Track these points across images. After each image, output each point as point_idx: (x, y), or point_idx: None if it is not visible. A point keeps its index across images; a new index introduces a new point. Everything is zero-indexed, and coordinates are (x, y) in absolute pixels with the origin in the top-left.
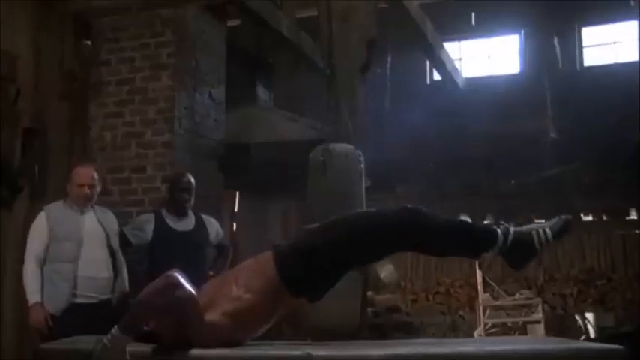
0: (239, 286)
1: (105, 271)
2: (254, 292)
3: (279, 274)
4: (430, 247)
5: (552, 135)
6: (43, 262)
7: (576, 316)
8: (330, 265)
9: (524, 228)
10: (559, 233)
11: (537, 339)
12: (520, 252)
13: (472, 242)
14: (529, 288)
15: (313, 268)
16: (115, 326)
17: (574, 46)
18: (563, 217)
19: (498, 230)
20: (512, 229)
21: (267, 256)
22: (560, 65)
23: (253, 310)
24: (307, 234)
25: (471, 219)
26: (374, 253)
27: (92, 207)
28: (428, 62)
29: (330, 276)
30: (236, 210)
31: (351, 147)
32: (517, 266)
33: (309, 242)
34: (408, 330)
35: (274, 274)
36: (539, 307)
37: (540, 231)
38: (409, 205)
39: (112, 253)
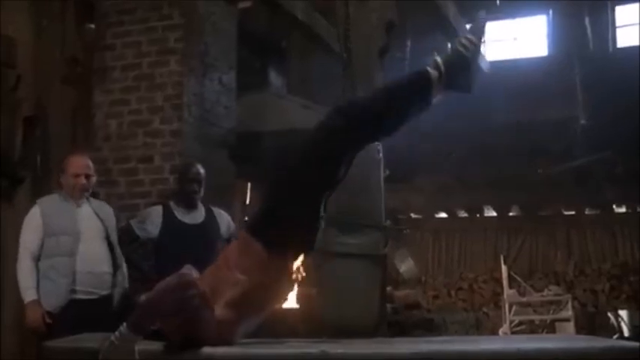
0: (233, 270)
1: (105, 266)
2: (248, 271)
3: (261, 242)
4: (379, 130)
5: (582, 121)
6: (38, 258)
7: (609, 314)
8: (299, 206)
9: (448, 50)
10: (480, 30)
11: (567, 337)
12: (458, 71)
13: (413, 95)
14: (558, 284)
15: (286, 219)
16: (124, 324)
17: (606, 26)
18: (479, 16)
19: (427, 68)
20: (437, 58)
21: (243, 232)
22: (591, 47)
23: (255, 290)
24: (264, 194)
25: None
26: (332, 168)
27: (87, 199)
28: (449, 45)
29: (308, 215)
30: (248, 202)
31: None
32: (466, 87)
33: (269, 197)
34: (429, 327)
35: (257, 245)
36: (569, 304)
37: (463, 40)
38: (336, 107)
39: (111, 248)
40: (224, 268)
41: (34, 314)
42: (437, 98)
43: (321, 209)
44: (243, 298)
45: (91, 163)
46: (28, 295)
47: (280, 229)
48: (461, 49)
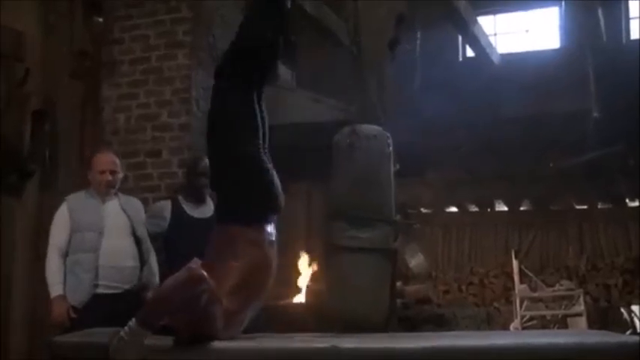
0: (222, 262)
1: (129, 260)
2: (235, 257)
3: (233, 222)
4: (258, 56)
5: (595, 114)
6: (65, 254)
7: (621, 309)
8: (242, 168)
9: None
10: None
11: (579, 332)
12: None
13: (266, 11)
14: (570, 278)
15: (239, 186)
16: (133, 319)
17: (619, 18)
18: None
19: None
20: None
21: (217, 225)
22: (604, 39)
23: (249, 270)
24: (210, 185)
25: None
26: (248, 119)
27: (116, 194)
28: (460, 38)
29: (255, 171)
30: None
31: (379, 129)
32: None
33: (214, 182)
34: (440, 322)
35: (231, 228)
36: (581, 299)
37: None
38: (216, 69)
39: (138, 242)
40: (216, 263)
41: (60, 309)
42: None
43: (264, 158)
44: (241, 283)
45: (117, 160)
46: (55, 290)
47: (237, 198)
48: None
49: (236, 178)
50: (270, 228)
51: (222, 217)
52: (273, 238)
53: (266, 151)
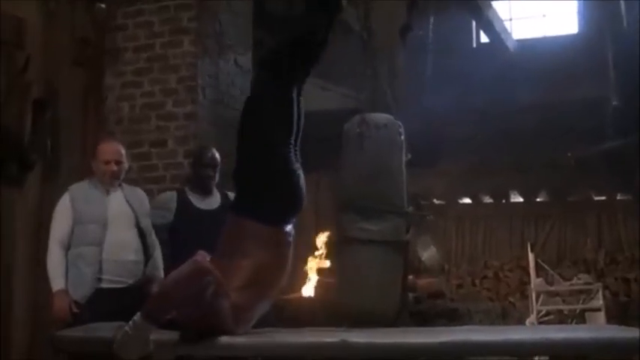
0: (233, 255)
1: (132, 254)
2: (248, 252)
3: (249, 218)
4: (303, 51)
5: (614, 102)
6: (68, 247)
7: None
8: (268, 165)
9: None
10: None
11: (597, 327)
12: None
13: (310, 11)
14: (588, 272)
15: (260, 183)
16: (138, 314)
17: None
18: None
19: None
20: None
21: (232, 217)
22: (624, 23)
23: (260, 268)
24: (234, 174)
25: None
26: (283, 113)
27: (120, 185)
28: (474, 23)
29: (280, 170)
30: None
31: (390, 117)
32: None
33: (238, 171)
34: (453, 317)
35: (250, 223)
36: (600, 294)
37: None
38: (258, 59)
39: (142, 235)
40: (227, 257)
41: (61, 303)
42: None
43: (292, 158)
44: (252, 280)
45: (122, 150)
46: (56, 284)
47: (260, 195)
48: None
49: (262, 175)
50: (289, 228)
51: (240, 210)
52: (291, 239)
53: (297, 149)
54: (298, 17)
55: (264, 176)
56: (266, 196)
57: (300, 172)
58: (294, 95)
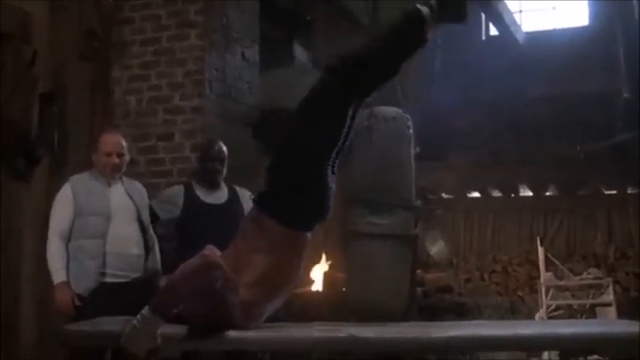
0: (250, 250)
1: (135, 248)
2: (267, 250)
3: (274, 218)
4: (378, 78)
5: (625, 95)
6: (68, 239)
7: None
8: (305, 172)
9: None
10: None
11: (606, 322)
12: (449, 2)
13: (407, 37)
14: (598, 266)
15: (293, 188)
16: (146, 307)
17: None
18: None
19: (417, 6)
20: None
21: (255, 212)
22: (636, 15)
23: (275, 268)
24: (269, 168)
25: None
26: (335, 127)
27: (120, 178)
28: (483, 15)
29: (316, 181)
30: None
31: (399, 110)
32: (458, 17)
33: (273, 169)
34: (461, 312)
35: (272, 223)
36: (610, 288)
37: None
38: (328, 65)
39: (143, 229)
40: (242, 251)
41: (63, 296)
42: (431, 34)
43: (329, 172)
44: (263, 278)
45: (123, 142)
46: (57, 276)
47: (291, 200)
48: None
49: (296, 180)
50: (310, 235)
51: (265, 207)
52: (308, 244)
53: (335, 162)
54: (381, 39)
55: (297, 182)
56: (294, 201)
57: (333, 186)
58: (350, 112)
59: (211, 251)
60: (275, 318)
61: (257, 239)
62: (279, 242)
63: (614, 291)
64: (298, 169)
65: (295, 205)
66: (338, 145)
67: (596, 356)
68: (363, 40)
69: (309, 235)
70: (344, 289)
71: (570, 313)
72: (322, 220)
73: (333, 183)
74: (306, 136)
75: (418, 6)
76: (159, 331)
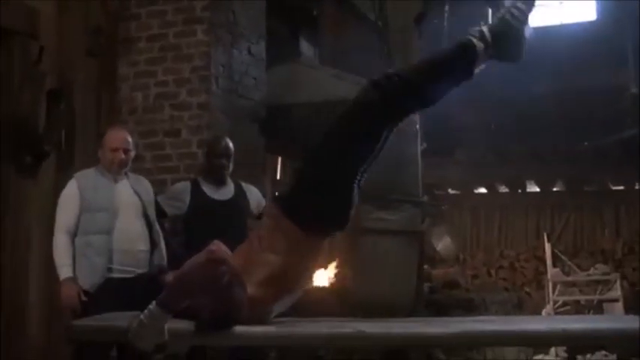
0: (264, 249)
1: (142, 244)
2: (281, 251)
3: (295, 221)
4: (419, 103)
5: (634, 90)
6: (74, 234)
7: None
8: (334, 183)
9: (495, 18)
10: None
11: (615, 317)
12: (506, 42)
13: (456, 68)
14: (605, 262)
15: (321, 195)
16: (153, 303)
17: None
18: None
19: (472, 38)
20: (484, 27)
21: (274, 211)
22: None
23: (288, 270)
24: (297, 170)
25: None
26: (370, 144)
27: (126, 174)
28: (490, 11)
29: (343, 192)
30: (279, 177)
31: None
32: (514, 57)
33: (302, 174)
34: (468, 307)
35: (290, 224)
36: (618, 284)
37: (513, 9)
38: (373, 80)
39: (149, 224)
40: (257, 248)
41: (69, 291)
42: (480, 68)
43: (355, 185)
44: (275, 278)
45: (129, 138)
46: (64, 272)
47: (314, 207)
48: (510, 18)
49: (322, 187)
50: (325, 242)
51: (286, 208)
52: (324, 250)
53: (363, 176)
54: (431, 69)
55: (324, 190)
56: (318, 208)
57: (356, 199)
58: (386, 131)
59: (218, 246)
60: (281, 313)
61: (273, 238)
62: (295, 245)
63: (622, 286)
64: (327, 181)
65: (318, 212)
66: (367, 161)
67: (603, 352)
68: (412, 62)
69: (325, 241)
70: (351, 285)
71: (577, 308)
72: (341, 231)
73: (356, 196)
74: (341, 151)
75: (474, 40)
76: (166, 327)
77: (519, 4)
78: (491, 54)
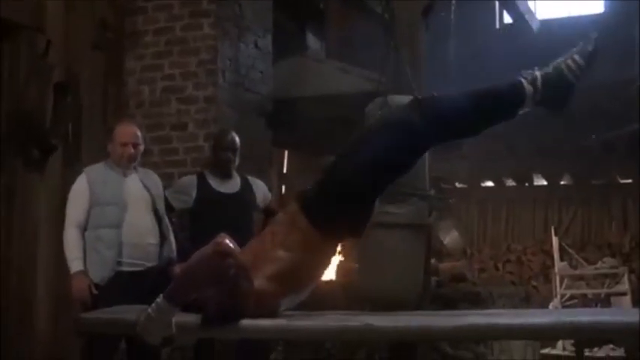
0: (277, 245)
1: (151, 237)
2: (293, 249)
3: (312, 223)
4: (457, 133)
5: None
6: (84, 228)
7: None
8: (361, 193)
9: (550, 65)
10: (591, 55)
11: (622, 311)
12: (557, 92)
13: (501, 107)
14: (613, 256)
15: (346, 203)
16: (160, 296)
17: None
18: (589, 37)
19: (523, 80)
20: (537, 72)
21: (294, 208)
22: None
23: (298, 268)
24: (326, 171)
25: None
26: (404, 162)
27: (135, 168)
28: (497, 3)
29: (367, 202)
30: (285, 171)
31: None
32: (560, 107)
33: (329, 178)
34: (475, 301)
35: (307, 224)
36: (625, 277)
37: (569, 61)
38: (415, 100)
39: (158, 218)
40: (269, 243)
41: (80, 285)
42: (523, 111)
43: (381, 193)
44: (284, 275)
45: (139, 132)
46: (75, 265)
47: (338, 213)
48: (565, 69)
49: (348, 192)
50: (339, 246)
51: (307, 207)
52: (336, 252)
53: (384, 190)
54: (485, 107)
55: (352, 198)
56: (341, 215)
57: (375, 209)
58: (418, 156)
59: (224, 239)
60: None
61: (287, 235)
62: (309, 245)
63: (630, 280)
64: (359, 189)
65: (341, 219)
66: (399, 175)
67: (611, 345)
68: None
69: (337, 246)
70: (358, 278)
71: (585, 302)
72: (355, 239)
73: (376, 206)
74: (373, 165)
75: (525, 83)
76: (174, 320)
77: (577, 57)
78: (537, 100)
